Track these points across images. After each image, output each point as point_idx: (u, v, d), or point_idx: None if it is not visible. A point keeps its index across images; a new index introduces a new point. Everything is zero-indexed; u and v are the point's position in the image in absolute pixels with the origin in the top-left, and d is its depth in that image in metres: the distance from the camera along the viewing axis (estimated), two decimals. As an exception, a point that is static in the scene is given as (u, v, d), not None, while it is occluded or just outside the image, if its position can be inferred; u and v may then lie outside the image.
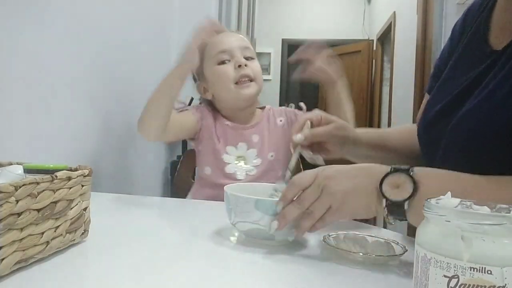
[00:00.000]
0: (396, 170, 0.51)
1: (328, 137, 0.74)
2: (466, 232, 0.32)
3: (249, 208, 0.57)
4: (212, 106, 1.10)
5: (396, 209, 0.50)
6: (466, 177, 0.50)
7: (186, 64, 0.94)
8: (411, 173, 0.50)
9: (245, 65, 0.99)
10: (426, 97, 0.80)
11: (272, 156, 1.05)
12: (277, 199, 0.57)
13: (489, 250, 0.31)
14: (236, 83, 0.99)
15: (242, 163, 1.04)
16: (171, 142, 1.69)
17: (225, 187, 0.63)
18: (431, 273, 0.33)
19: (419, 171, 0.51)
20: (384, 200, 0.51)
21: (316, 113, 0.76)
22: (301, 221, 0.56)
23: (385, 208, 0.51)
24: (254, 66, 1.02)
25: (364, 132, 0.81)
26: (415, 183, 0.49)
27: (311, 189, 0.55)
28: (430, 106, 0.69)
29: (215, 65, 1.01)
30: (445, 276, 0.32)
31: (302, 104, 1.16)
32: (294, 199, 0.56)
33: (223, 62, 1.01)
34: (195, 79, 1.12)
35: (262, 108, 1.13)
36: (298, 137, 0.71)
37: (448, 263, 0.32)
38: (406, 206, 0.50)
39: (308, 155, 0.76)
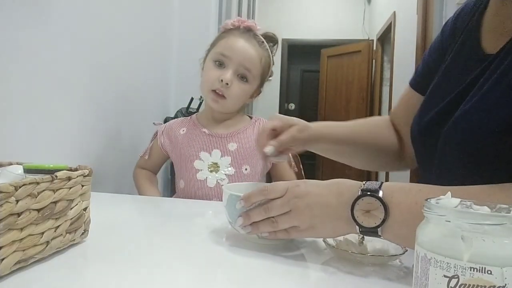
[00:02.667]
0: (365, 193, 0.50)
1: (293, 141, 0.75)
2: (466, 232, 0.32)
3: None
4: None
5: (369, 233, 0.51)
6: (437, 189, 0.49)
7: None
8: (381, 194, 0.50)
9: (226, 84, 0.99)
10: (409, 89, 0.80)
11: (246, 169, 1.05)
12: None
13: (489, 250, 0.31)
14: (212, 90, 1.01)
15: (214, 171, 1.04)
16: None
17: (224, 189, 0.63)
18: (431, 273, 0.33)
19: (389, 190, 0.50)
20: (357, 227, 0.51)
21: (277, 119, 0.76)
22: (262, 225, 0.57)
23: (359, 232, 0.52)
24: (236, 88, 1.00)
25: (329, 126, 0.81)
26: (385, 208, 0.49)
27: (280, 202, 0.55)
28: (425, 111, 0.69)
29: (211, 61, 1.02)
30: (445, 276, 0.32)
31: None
32: (262, 204, 0.57)
33: (219, 63, 1.01)
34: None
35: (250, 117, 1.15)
36: (269, 149, 0.71)
37: (448, 263, 0.32)
38: (379, 232, 0.50)
39: (275, 160, 0.78)
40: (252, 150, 1.06)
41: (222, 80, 0.98)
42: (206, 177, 1.02)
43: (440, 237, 0.33)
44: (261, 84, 1.08)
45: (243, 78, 1.01)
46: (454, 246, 0.32)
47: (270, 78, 1.12)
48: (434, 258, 0.32)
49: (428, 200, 0.36)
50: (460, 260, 0.31)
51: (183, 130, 1.08)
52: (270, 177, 1.16)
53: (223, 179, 1.02)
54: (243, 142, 1.06)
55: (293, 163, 1.13)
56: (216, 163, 1.04)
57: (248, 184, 0.72)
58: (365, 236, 0.60)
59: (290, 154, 1.08)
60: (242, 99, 1.05)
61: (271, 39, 1.08)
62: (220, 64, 1.01)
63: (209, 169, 1.03)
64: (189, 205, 0.93)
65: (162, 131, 1.11)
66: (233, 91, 1.00)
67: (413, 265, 0.36)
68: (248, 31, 1.03)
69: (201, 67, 1.09)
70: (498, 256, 0.30)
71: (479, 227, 0.31)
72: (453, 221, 0.33)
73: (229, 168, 1.03)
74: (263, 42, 1.04)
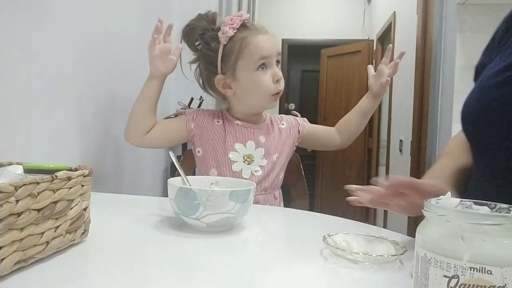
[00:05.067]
0: None
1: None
2: (466, 232, 0.32)
3: (224, 200, 0.63)
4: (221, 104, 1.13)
5: None
6: None
7: (152, 72, 1.03)
8: None
9: (280, 79, 1.01)
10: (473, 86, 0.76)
11: (276, 157, 1.06)
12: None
13: (489, 250, 0.31)
14: (272, 95, 1.02)
15: (248, 162, 1.04)
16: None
17: (170, 183, 0.70)
18: (431, 273, 0.33)
19: None
20: None
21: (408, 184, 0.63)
22: None
23: None
24: (283, 77, 1.04)
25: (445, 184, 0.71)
26: None
27: None
28: (489, 70, 0.65)
29: (254, 71, 1.00)
30: (445, 276, 0.32)
31: (296, 112, 1.20)
32: None
33: (262, 68, 1.01)
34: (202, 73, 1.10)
35: None
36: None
37: (448, 263, 0.32)
38: None
39: None
40: (276, 138, 1.09)
41: (278, 80, 1.01)
42: (241, 169, 1.03)
43: (440, 237, 0.33)
44: None
45: (277, 64, 1.03)
46: (454, 246, 0.32)
47: None
48: (434, 258, 0.33)
49: (428, 200, 0.36)
50: (460, 260, 0.31)
51: (219, 121, 1.07)
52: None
53: (257, 171, 1.03)
54: (267, 133, 1.08)
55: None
56: (251, 155, 1.04)
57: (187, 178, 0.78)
58: (365, 236, 0.60)
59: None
60: None
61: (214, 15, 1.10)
62: (262, 68, 1.01)
63: (243, 161, 1.04)
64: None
65: (193, 118, 1.06)
66: (283, 81, 1.03)
67: (413, 265, 0.36)
68: (246, 23, 1.03)
69: (219, 85, 1.05)
70: (498, 256, 0.30)
71: (479, 227, 0.31)
72: (453, 221, 0.33)
73: (263, 160, 1.05)
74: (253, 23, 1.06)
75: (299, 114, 1.19)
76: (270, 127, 1.10)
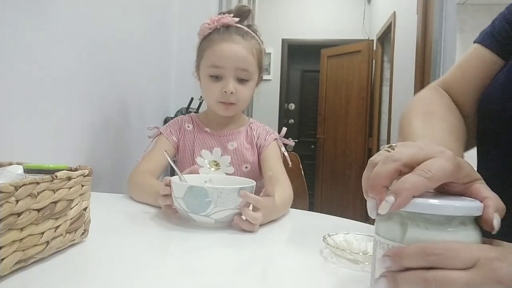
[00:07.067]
0: None
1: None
2: (404, 219, 0.37)
3: (234, 196, 0.67)
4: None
5: None
6: None
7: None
8: None
9: (231, 93, 0.97)
10: (480, 49, 0.67)
11: (246, 168, 1.05)
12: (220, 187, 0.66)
13: (421, 235, 0.35)
14: (219, 102, 1.00)
15: (214, 168, 1.04)
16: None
17: (172, 182, 0.70)
18: (378, 254, 0.38)
19: None
20: None
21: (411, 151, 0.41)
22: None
23: None
24: (242, 92, 0.99)
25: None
26: None
27: (465, 280, 0.33)
28: None
29: (206, 76, 1.00)
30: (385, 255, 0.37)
31: (291, 143, 1.10)
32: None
33: (215, 77, 0.98)
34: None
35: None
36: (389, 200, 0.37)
37: (387, 244, 0.37)
38: None
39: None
40: (249, 148, 1.06)
41: (226, 92, 0.97)
42: (208, 174, 1.02)
43: (386, 223, 0.38)
44: (260, 71, 1.05)
45: (243, 80, 0.99)
46: (394, 230, 0.37)
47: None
48: (379, 241, 0.38)
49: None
50: (397, 242, 0.36)
51: (189, 126, 1.08)
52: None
53: None
54: (239, 140, 1.06)
55: (287, 158, 1.05)
56: (217, 162, 1.04)
57: (184, 177, 0.77)
58: (365, 236, 0.61)
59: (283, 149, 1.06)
60: (250, 97, 1.04)
61: (245, 13, 1.02)
62: (217, 77, 0.98)
63: (210, 167, 1.04)
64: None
65: (170, 131, 1.07)
66: (240, 95, 0.99)
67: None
68: (227, 28, 1.00)
69: (195, 78, 1.08)
70: (428, 241, 0.35)
71: (416, 215, 0.36)
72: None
73: (230, 167, 1.04)
74: (245, 31, 1.00)
75: (291, 145, 1.09)
76: (244, 135, 1.07)
